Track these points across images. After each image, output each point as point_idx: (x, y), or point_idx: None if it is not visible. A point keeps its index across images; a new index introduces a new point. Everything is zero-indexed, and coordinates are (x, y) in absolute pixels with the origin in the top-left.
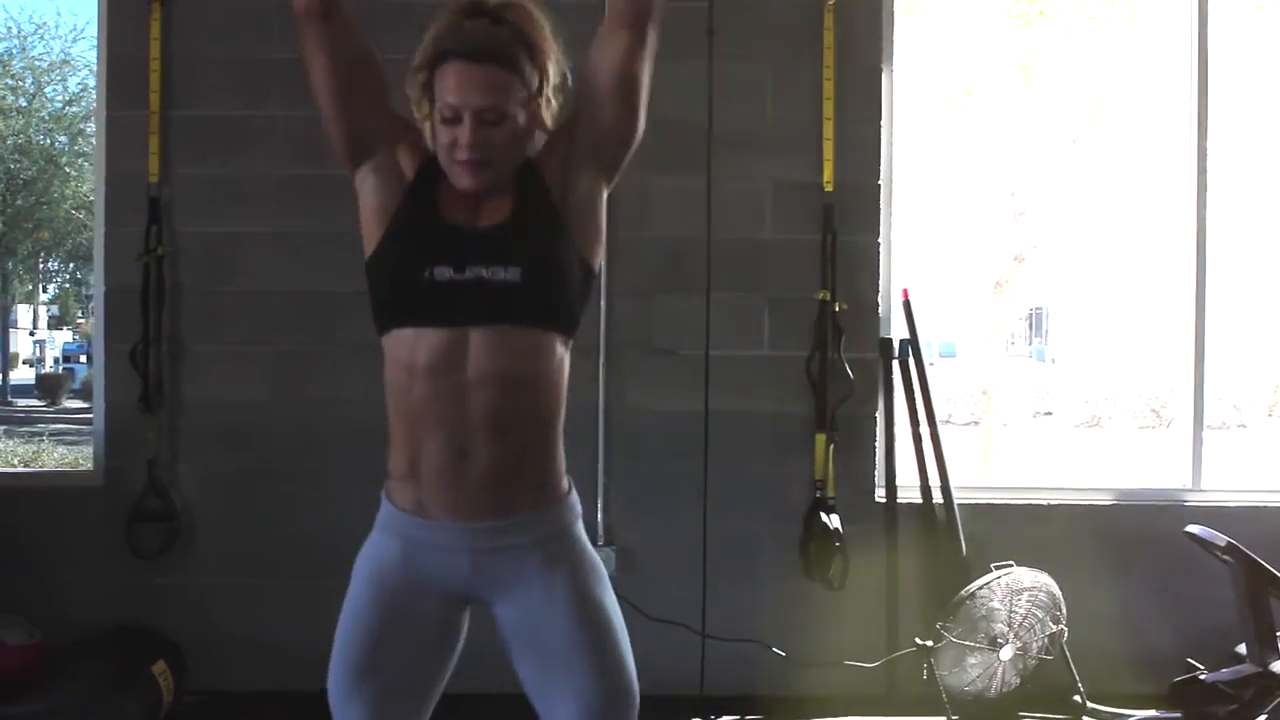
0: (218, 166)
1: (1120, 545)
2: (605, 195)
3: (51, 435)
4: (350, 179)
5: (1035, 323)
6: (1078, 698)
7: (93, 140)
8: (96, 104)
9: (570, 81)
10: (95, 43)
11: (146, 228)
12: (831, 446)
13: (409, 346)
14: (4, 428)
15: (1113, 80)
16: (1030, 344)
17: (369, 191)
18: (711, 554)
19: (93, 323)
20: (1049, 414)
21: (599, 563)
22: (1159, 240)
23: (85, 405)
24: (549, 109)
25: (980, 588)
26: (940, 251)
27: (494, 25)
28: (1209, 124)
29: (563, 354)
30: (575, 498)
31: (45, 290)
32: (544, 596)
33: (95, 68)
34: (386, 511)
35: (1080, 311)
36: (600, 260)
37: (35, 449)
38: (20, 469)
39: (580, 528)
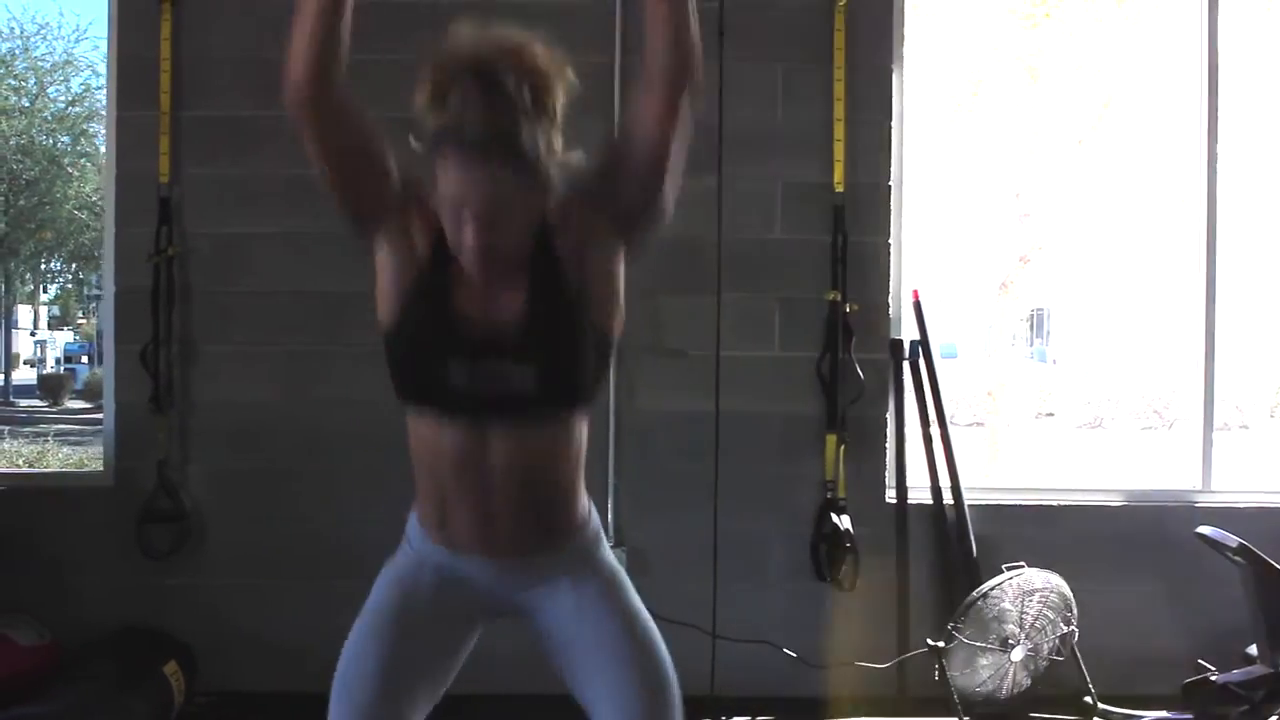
0: (228, 167)
1: (1130, 546)
2: (623, 265)
3: (56, 436)
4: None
5: (1036, 323)
6: (1089, 699)
7: (96, 141)
8: (106, 104)
9: (589, 154)
10: (98, 43)
11: (157, 228)
12: (842, 447)
13: (431, 431)
14: (7, 428)
15: (1118, 82)
16: (1031, 345)
17: (382, 257)
18: (722, 554)
19: (94, 323)
20: (1050, 415)
21: (624, 576)
22: (1164, 241)
23: (88, 405)
24: (558, 162)
25: (992, 589)
26: (943, 252)
27: (491, 97)
28: (1219, 124)
29: (581, 426)
30: (595, 520)
31: (45, 290)
32: (576, 607)
33: (99, 68)
34: (416, 533)
35: (1083, 312)
36: (619, 328)
37: (40, 449)
38: (30, 469)
39: (602, 542)
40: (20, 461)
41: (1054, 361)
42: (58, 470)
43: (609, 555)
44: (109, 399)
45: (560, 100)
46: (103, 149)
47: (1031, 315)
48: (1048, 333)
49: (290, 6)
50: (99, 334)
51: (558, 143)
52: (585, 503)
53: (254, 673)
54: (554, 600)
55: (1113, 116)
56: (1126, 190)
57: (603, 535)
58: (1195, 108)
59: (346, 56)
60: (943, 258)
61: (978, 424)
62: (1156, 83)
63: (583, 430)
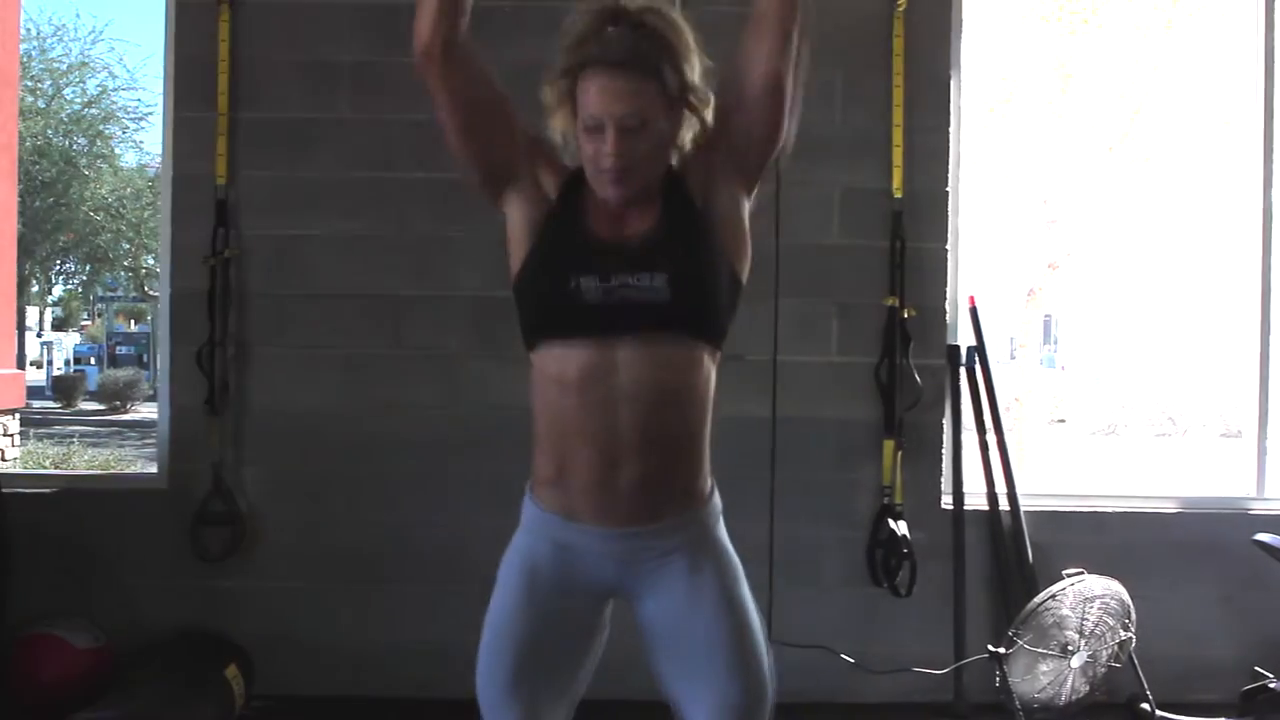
0: (285, 169)
1: (1185, 553)
2: (748, 205)
3: (80, 438)
4: (491, 204)
5: (1045, 329)
6: (1146, 705)
7: (112, 143)
8: (164, 106)
9: (713, 87)
10: (114, 44)
11: (213, 230)
12: (899, 453)
13: (558, 361)
14: (32, 431)
15: (1153, 89)
16: (1040, 350)
17: (514, 215)
18: (779, 560)
19: (100, 324)
20: (1062, 421)
21: (738, 564)
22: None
23: (100, 407)
24: (691, 113)
25: (1053, 595)
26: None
27: (634, 31)
28: (1275, 125)
29: (710, 367)
30: (717, 499)
31: (50, 292)
32: (688, 596)
33: (115, 69)
34: (532, 513)
35: (1099, 319)
36: (747, 271)
37: (65, 450)
38: (85, 472)
39: (722, 528)
40: (46, 463)
41: (1062, 368)
42: (110, 473)
43: (727, 541)
44: (163, 401)
45: (694, 70)
46: (118, 150)
47: (1041, 321)
48: (1056, 339)
49: (347, 8)
50: (152, 336)
51: (692, 100)
52: (709, 474)
53: (309, 676)
54: (667, 584)
55: (1144, 124)
56: (1157, 197)
57: (722, 520)
58: (1251, 111)
59: (469, 6)
60: (977, 264)
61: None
62: (1197, 89)
63: (711, 376)
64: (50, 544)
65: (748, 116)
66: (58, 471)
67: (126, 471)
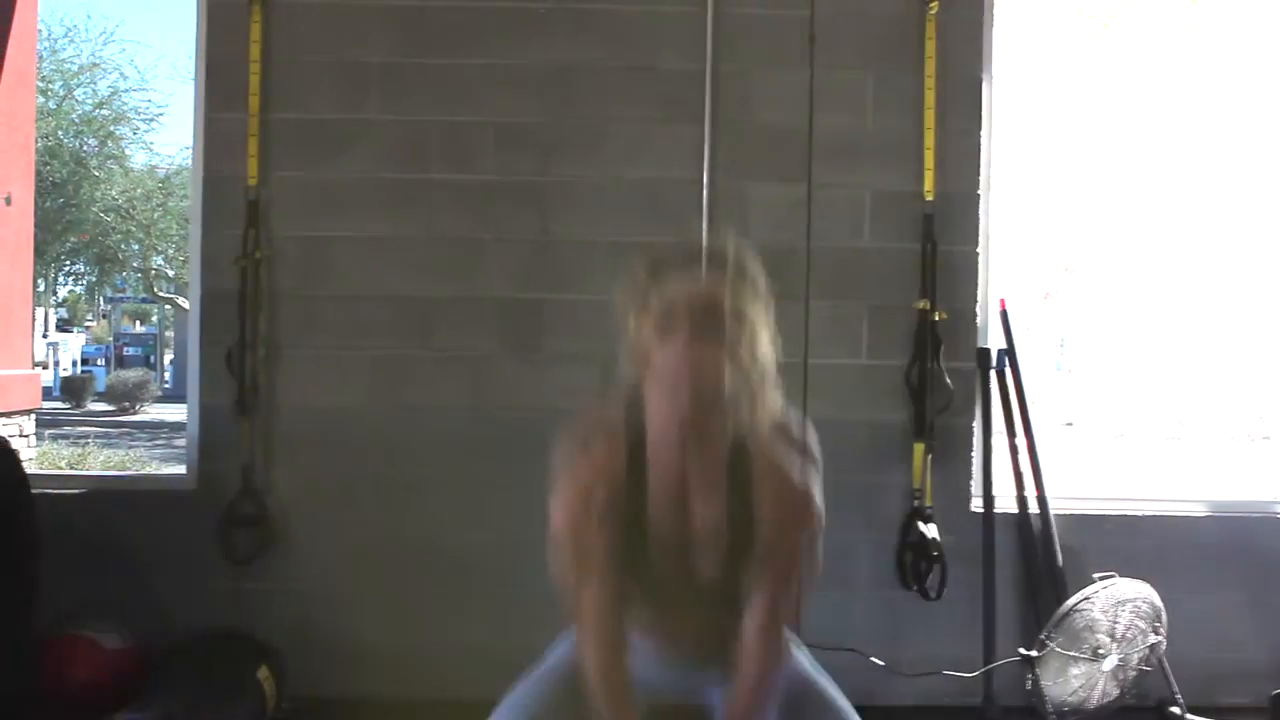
0: (315, 170)
1: (1215, 556)
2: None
3: (93, 439)
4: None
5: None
6: (1175, 709)
7: (123, 144)
8: (194, 106)
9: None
10: (125, 46)
11: (244, 231)
12: (929, 456)
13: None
14: (47, 431)
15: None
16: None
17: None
18: None
19: (106, 325)
20: (1069, 424)
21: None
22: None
23: (110, 408)
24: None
25: (1085, 598)
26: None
27: (717, 297)
28: None
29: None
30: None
31: (56, 293)
32: None
33: (126, 70)
34: None
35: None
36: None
37: (81, 451)
38: (114, 473)
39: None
40: (62, 463)
41: (1069, 371)
42: (140, 474)
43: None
44: (193, 401)
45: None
46: (129, 151)
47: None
48: (1061, 342)
49: (378, 10)
50: (159, 337)
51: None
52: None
53: (338, 679)
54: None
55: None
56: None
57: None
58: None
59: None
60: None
61: None
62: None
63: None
64: (79, 545)
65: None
66: (85, 472)
67: (155, 473)
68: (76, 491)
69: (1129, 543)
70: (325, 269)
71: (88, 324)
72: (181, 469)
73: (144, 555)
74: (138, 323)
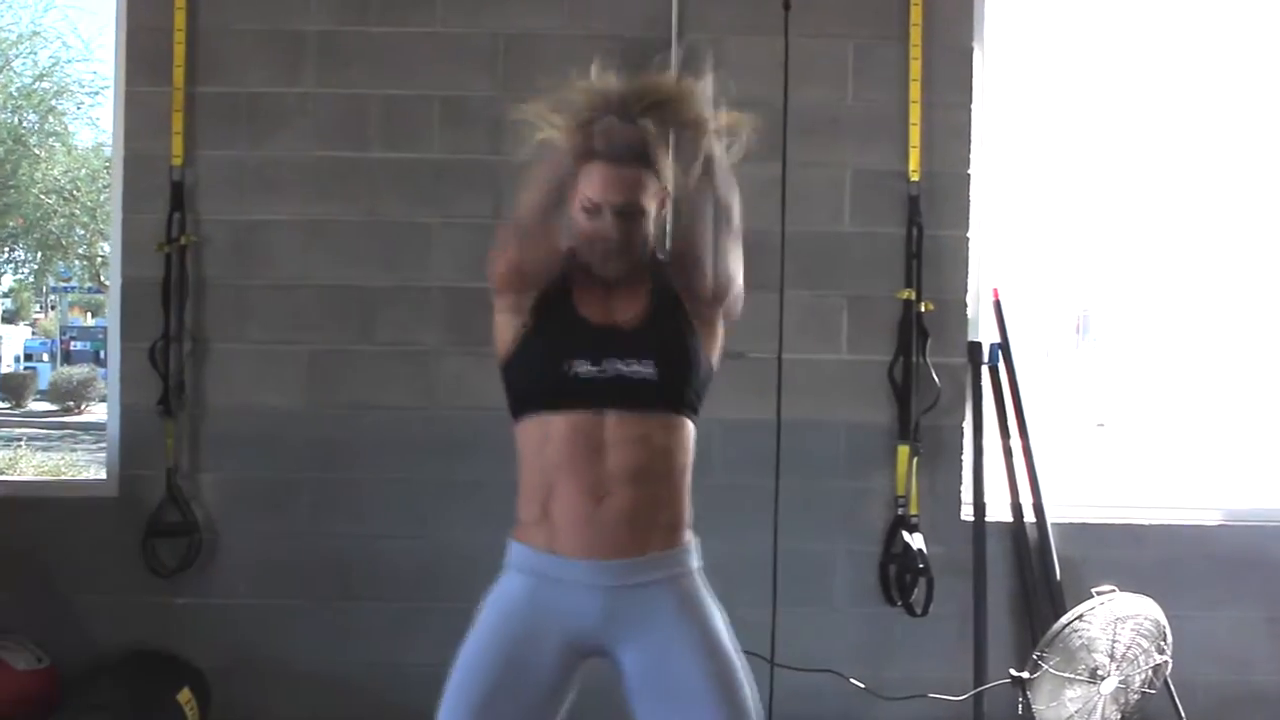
0: (246, 148)
1: (1227, 569)
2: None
3: (28, 441)
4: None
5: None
6: None
7: (65, 119)
8: (114, 80)
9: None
10: (67, 13)
11: (169, 215)
12: (915, 459)
13: (546, 425)
14: None
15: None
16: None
17: (509, 306)
18: (783, 576)
19: (54, 318)
20: (1100, 425)
21: (720, 611)
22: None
23: (53, 408)
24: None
25: (1081, 615)
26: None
27: (633, 125)
28: None
29: (690, 428)
30: (697, 548)
31: None
32: (674, 637)
33: (69, 40)
34: (517, 551)
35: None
36: (718, 359)
37: (11, 455)
38: (27, 478)
39: (702, 579)
40: None
41: (1093, 361)
42: (55, 479)
43: (708, 593)
44: (114, 401)
45: (708, 149)
46: (71, 128)
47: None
48: (1079, 329)
49: None
50: (57, 328)
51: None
52: (689, 528)
53: (269, 702)
54: (650, 628)
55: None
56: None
57: (702, 575)
58: None
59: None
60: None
61: None
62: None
63: (691, 434)
64: None
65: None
66: None
67: (72, 478)
68: None
69: (1133, 554)
70: (257, 256)
71: (35, 316)
72: (102, 474)
73: (60, 568)
74: (89, 315)
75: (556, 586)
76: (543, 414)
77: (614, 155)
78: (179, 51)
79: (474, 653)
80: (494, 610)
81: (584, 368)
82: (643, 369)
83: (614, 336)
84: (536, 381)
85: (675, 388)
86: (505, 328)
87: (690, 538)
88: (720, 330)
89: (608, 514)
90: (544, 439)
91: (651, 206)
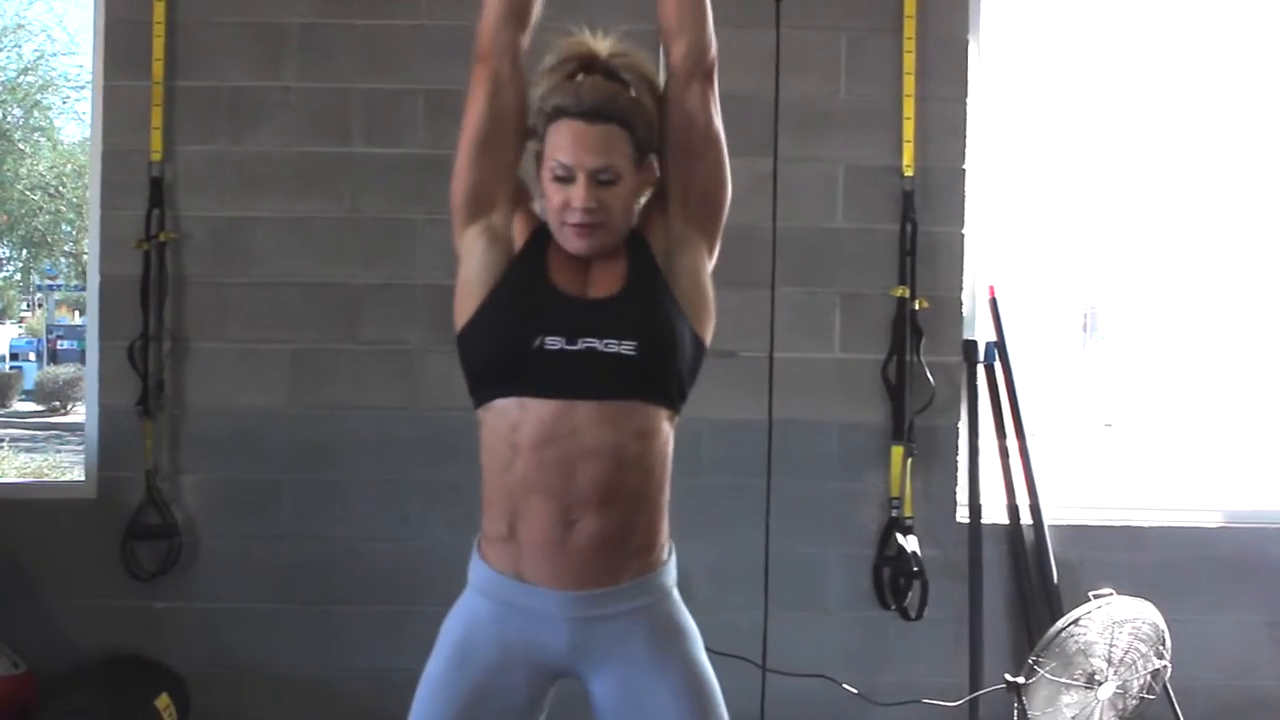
0: (227, 143)
1: (1228, 572)
2: (710, 267)
3: (10, 442)
4: (455, 237)
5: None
6: None
7: (50, 114)
8: (93, 74)
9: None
10: (52, 5)
11: (147, 211)
12: (909, 460)
13: (512, 418)
14: None
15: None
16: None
17: (476, 253)
18: (774, 579)
19: (41, 316)
20: (1108, 425)
21: (694, 626)
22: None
23: (38, 408)
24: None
25: (1077, 619)
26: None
27: (608, 81)
28: None
29: (669, 430)
30: (674, 560)
31: None
32: (649, 666)
33: (54, 33)
34: (481, 573)
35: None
36: (710, 334)
37: None
38: (3, 480)
39: (676, 591)
40: None
41: (1100, 359)
42: (32, 481)
43: (680, 602)
44: (92, 401)
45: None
46: (57, 123)
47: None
48: (1086, 325)
49: None
50: (44, 327)
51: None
52: (667, 538)
53: (250, 706)
54: (625, 657)
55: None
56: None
57: (676, 591)
58: None
59: (535, 20)
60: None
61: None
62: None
63: (670, 439)
64: None
65: (692, 170)
66: None
67: (50, 480)
68: None
69: (1132, 557)
70: (238, 253)
71: (23, 314)
72: (81, 475)
73: (37, 571)
74: (76, 313)
75: (523, 615)
76: (508, 403)
77: (585, 112)
78: (158, 45)
79: (439, 677)
80: (459, 633)
81: (555, 343)
82: (621, 347)
83: (590, 313)
84: (497, 355)
85: (658, 373)
86: (479, 264)
87: (666, 555)
88: (713, 227)
89: (578, 539)
90: (511, 442)
91: (629, 176)
